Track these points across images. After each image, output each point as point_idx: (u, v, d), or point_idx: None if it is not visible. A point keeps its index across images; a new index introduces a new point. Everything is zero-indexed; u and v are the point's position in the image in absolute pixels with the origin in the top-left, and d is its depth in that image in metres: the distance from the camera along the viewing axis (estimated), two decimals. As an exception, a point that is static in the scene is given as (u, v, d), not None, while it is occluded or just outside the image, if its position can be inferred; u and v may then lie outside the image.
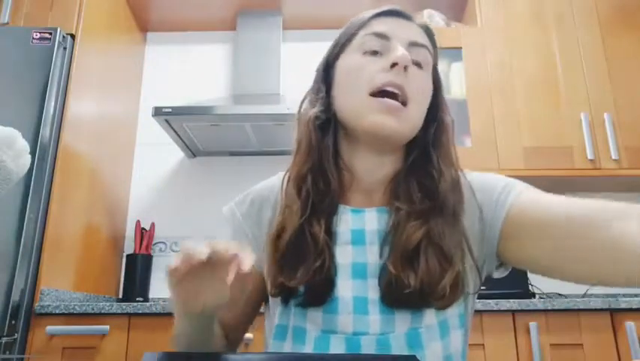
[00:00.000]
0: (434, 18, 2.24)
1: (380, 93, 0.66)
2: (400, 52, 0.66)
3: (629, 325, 1.50)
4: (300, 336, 0.66)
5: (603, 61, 2.07)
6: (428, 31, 0.74)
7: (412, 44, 0.69)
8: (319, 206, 0.69)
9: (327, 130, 0.72)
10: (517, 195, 0.69)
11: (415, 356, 0.53)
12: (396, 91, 0.66)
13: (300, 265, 0.66)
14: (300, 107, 0.76)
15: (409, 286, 0.62)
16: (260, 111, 1.99)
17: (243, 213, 0.78)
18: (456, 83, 2.13)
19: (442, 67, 2.14)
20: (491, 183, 0.72)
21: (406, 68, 0.67)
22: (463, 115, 2.04)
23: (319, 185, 0.70)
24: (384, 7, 0.72)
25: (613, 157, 1.94)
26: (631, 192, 2.23)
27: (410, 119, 0.68)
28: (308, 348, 0.65)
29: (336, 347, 0.64)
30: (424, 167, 0.71)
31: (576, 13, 2.14)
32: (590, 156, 1.95)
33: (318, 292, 0.66)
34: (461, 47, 2.12)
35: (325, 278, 0.65)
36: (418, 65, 0.70)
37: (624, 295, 2.08)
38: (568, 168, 1.96)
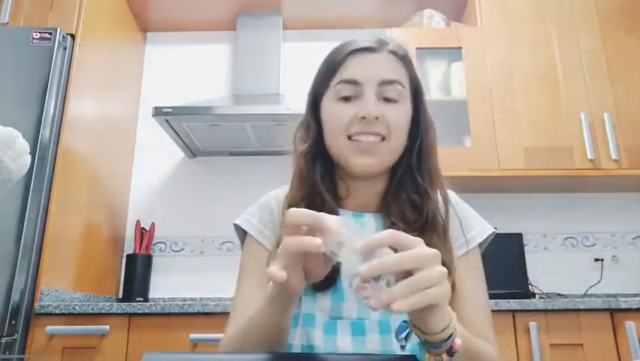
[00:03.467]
0: (434, 18, 2.24)
1: (357, 135, 0.75)
2: (368, 107, 0.74)
3: (629, 325, 1.50)
4: (310, 321, 0.73)
5: (603, 61, 2.07)
6: (400, 55, 0.80)
7: (383, 83, 0.76)
8: None
9: (319, 158, 0.81)
10: (475, 248, 0.80)
11: (414, 356, 0.53)
12: (370, 139, 0.75)
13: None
14: (295, 137, 0.84)
15: None
16: (260, 111, 1.99)
17: (257, 218, 0.84)
18: (456, 83, 2.13)
19: (442, 67, 2.16)
20: (471, 216, 0.83)
21: (376, 118, 0.74)
22: (463, 115, 2.04)
23: (316, 203, 0.77)
24: (356, 45, 0.79)
25: (613, 157, 1.94)
26: (631, 192, 2.23)
27: (389, 151, 0.77)
28: (318, 331, 0.72)
29: (343, 329, 0.72)
30: (411, 183, 0.79)
31: (576, 14, 2.14)
32: (590, 156, 1.95)
33: (324, 279, 0.72)
34: (461, 47, 2.12)
35: (330, 271, 0.72)
36: (390, 100, 0.76)
37: (624, 295, 2.08)
38: (568, 168, 1.96)
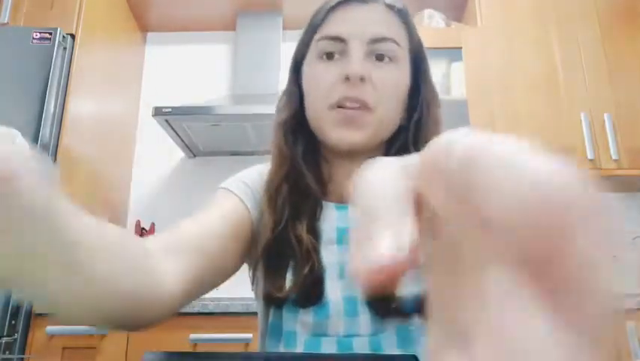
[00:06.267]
0: (434, 18, 2.24)
1: (339, 106, 0.62)
2: (352, 65, 0.61)
3: (629, 325, 1.50)
4: (290, 340, 0.63)
5: (603, 61, 2.07)
6: (398, 9, 0.66)
7: (373, 41, 0.63)
8: (301, 207, 0.66)
9: (300, 132, 0.69)
10: None
11: (415, 356, 0.53)
12: (354, 105, 0.62)
13: (286, 271, 0.63)
14: (276, 108, 0.73)
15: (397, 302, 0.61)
16: (260, 111, 1.99)
17: (239, 178, 0.71)
18: (456, 83, 2.13)
19: (442, 67, 2.16)
20: None
21: (362, 78, 0.61)
22: (463, 115, 2.04)
23: (299, 188, 0.67)
24: None
25: (613, 157, 1.94)
26: (631, 192, 2.23)
27: (376, 123, 0.63)
28: (299, 350, 0.62)
29: (328, 348, 0.62)
30: None
31: (576, 13, 2.14)
32: (590, 156, 1.95)
33: (309, 294, 0.63)
34: (461, 47, 2.12)
35: (315, 280, 0.63)
36: (382, 61, 0.64)
37: (624, 296, 2.08)
38: (568, 168, 1.96)
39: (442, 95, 2.35)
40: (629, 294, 2.09)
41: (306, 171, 0.67)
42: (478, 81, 2.08)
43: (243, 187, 0.69)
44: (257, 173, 0.72)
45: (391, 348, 0.61)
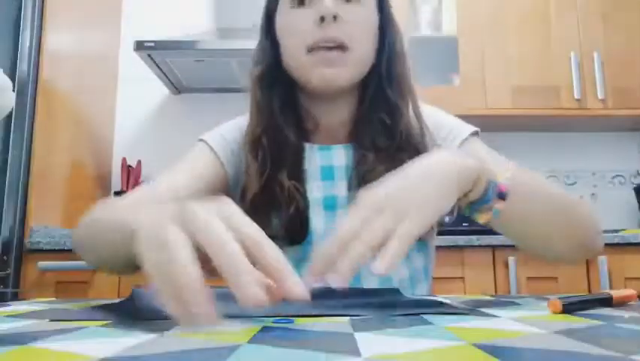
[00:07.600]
0: (427, -52, 2.15)
1: (317, 48, 0.67)
2: (324, 4, 0.66)
3: (601, 258, 1.57)
4: None
5: (597, -3, 2.03)
6: None
7: None
8: (281, 158, 0.71)
9: (277, 84, 0.73)
10: (464, 140, 0.73)
11: (397, 289, 0.56)
12: (330, 45, 0.67)
13: (273, 212, 0.69)
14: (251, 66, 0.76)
15: None
16: (246, 46, 1.92)
17: (221, 133, 0.80)
18: (447, 18, 2.08)
19: (432, 3, 2.10)
20: (442, 121, 0.76)
21: (335, 17, 0.66)
22: (452, 53, 2.01)
23: (278, 140, 0.71)
24: None
25: (599, 97, 1.95)
26: (615, 131, 2.25)
27: (355, 62, 0.69)
28: None
29: None
30: (382, 103, 0.72)
31: (573, -54, 2.06)
32: (577, 96, 1.95)
33: (295, 231, 0.69)
34: (453, -19, 2.05)
35: (300, 219, 0.69)
36: (350, 2, 0.69)
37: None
38: (554, 108, 1.97)
39: (432, 33, 2.27)
40: (607, 230, 2.17)
41: (283, 122, 0.72)
42: (470, 18, 2.03)
43: (222, 142, 0.76)
44: (237, 128, 0.78)
45: (367, 270, 0.65)
